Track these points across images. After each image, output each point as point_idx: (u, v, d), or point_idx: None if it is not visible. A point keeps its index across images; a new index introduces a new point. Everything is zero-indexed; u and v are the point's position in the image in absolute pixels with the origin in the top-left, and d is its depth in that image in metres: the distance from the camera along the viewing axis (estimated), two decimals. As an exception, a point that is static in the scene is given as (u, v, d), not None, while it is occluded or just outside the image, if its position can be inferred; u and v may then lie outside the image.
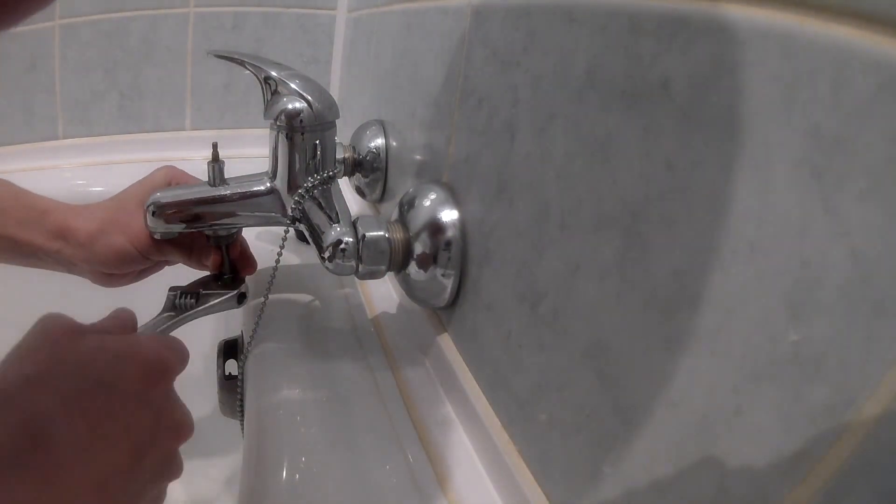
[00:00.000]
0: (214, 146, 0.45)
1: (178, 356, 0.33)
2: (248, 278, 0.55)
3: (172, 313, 0.45)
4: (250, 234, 0.63)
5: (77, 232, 0.43)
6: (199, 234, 0.47)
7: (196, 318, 0.45)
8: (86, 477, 0.24)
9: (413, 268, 0.39)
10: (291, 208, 0.44)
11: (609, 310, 0.24)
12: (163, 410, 0.30)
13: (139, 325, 0.38)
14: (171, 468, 0.31)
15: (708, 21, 0.19)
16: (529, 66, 0.30)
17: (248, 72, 0.43)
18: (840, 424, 0.15)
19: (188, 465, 0.36)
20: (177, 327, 0.43)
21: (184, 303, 0.45)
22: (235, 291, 0.46)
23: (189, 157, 0.81)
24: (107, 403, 0.27)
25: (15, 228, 0.43)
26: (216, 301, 0.46)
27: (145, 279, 0.50)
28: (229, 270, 0.49)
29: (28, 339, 0.28)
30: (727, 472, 0.18)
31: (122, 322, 0.36)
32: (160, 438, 0.29)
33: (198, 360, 0.64)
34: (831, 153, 0.15)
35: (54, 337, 0.28)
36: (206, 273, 0.49)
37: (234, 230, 0.47)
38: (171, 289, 0.47)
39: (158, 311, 0.45)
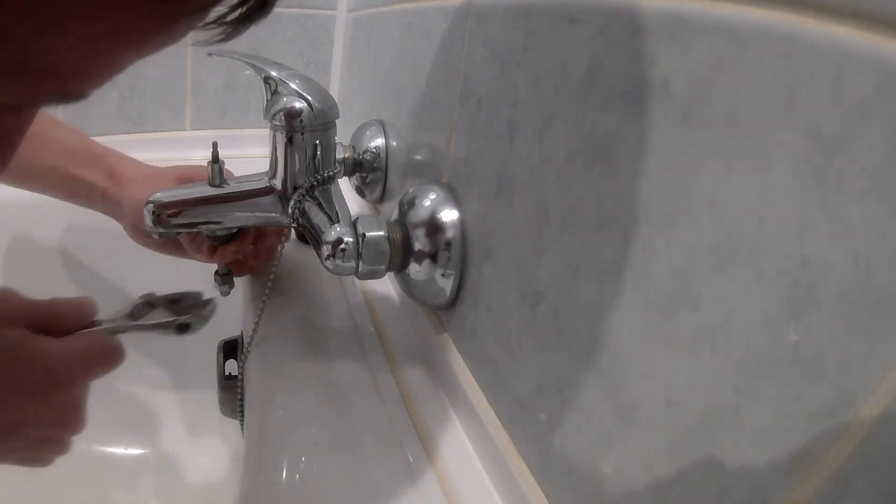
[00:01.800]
0: (214, 146, 0.45)
1: (97, 365, 0.35)
2: (247, 278, 0.55)
3: (127, 317, 0.42)
4: (250, 234, 0.63)
5: (123, 176, 0.49)
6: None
7: (133, 331, 0.40)
8: None
9: (413, 268, 0.39)
10: (291, 208, 0.44)
11: (609, 310, 0.24)
12: (56, 410, 0.34)
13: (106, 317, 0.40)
14: (50, 448, 0.36)
15: (708, 21, 0.19)
16: (529, 66, 0.30)
17: (248, 72, 0.43)
18: (840, 424, 0.15)
19: (188, 465, 0.37)
20: (120, 332, 0.39)
21: (138, 313, 0.42)
22: (175, 320, 0.41)
23: (189, 157, 0.80)
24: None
25: (76, 168, 0.49)
26: (152, 322, 0.41)
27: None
28: (223, 269, 0.49)
29: None
30: (727, 472, 0.18)
31: (78, 309, 0.38)
32: (42, 427, 0.34)
33: (198, 360, 0.64)
34: (831, 153, 0.15)
35: None
36: (191, 291, 0.46)
37: (234, 230, 0.47)
38: (143, 295, 0.44)
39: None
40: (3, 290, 0.35)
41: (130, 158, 0.52)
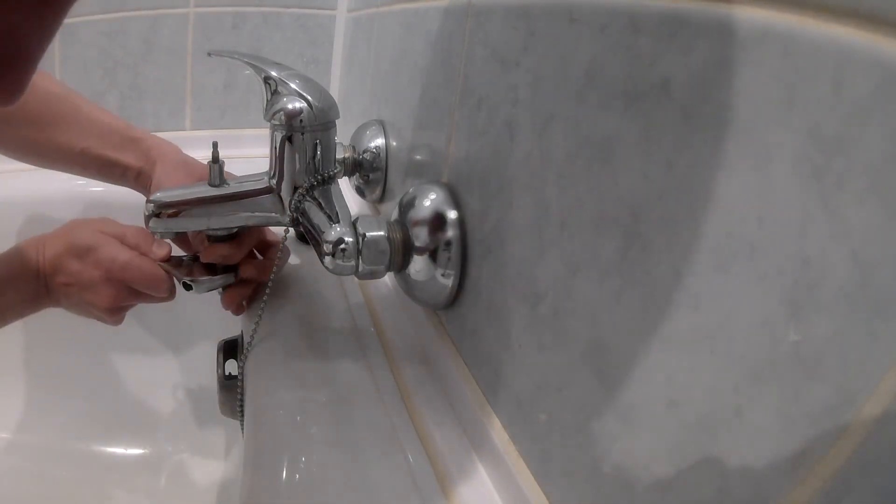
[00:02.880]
0: (214, 146, 0.44)
1: (144, 281, 0.48)
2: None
3: (178, 262, 0.50)
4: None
5: (157, 159, 0.52)
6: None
7: (175, 275, 0.49)
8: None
9: (413, 268, 0.39)
10: (291, 208, 0.44)
11: (609, 310, 0.24)
12: (103, 289, 0.48)
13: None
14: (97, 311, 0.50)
15: (708, 21, 0.19)
16: (529, 66, 0.30)
17: (248, 72, 0.43)
18: (840, 424, 0.15)
19: (188, 465, 0.37)
20: (167, 271, 0.49)
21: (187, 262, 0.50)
22: (195, 280, 0.49)
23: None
24: (84, 266, 0.47)
25: (112, 150, 0.52)
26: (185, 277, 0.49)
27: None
28: (222, 269, 0.49)
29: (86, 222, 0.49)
30: (727, 472, 0.18)
31: (157, 246, 0.49)
32: (92, 292, 0.48)
33: (198, 360, 0.64)
34: (831, 153, 0.15)
35: (99, 224, 0.49)
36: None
37: (234, 230, 0.47)
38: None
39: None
40: (107, 218, 0.50)
41: (166, 142, 0.54)
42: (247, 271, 0.50)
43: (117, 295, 0.48)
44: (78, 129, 0.52)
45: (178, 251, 0.51)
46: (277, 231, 0.53)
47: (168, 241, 0.49)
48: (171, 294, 0.49)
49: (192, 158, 0.53)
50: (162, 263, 0.48)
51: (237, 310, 0.52)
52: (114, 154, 0.52)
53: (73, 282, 0.47)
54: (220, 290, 0.50)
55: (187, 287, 0.49)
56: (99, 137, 0.52)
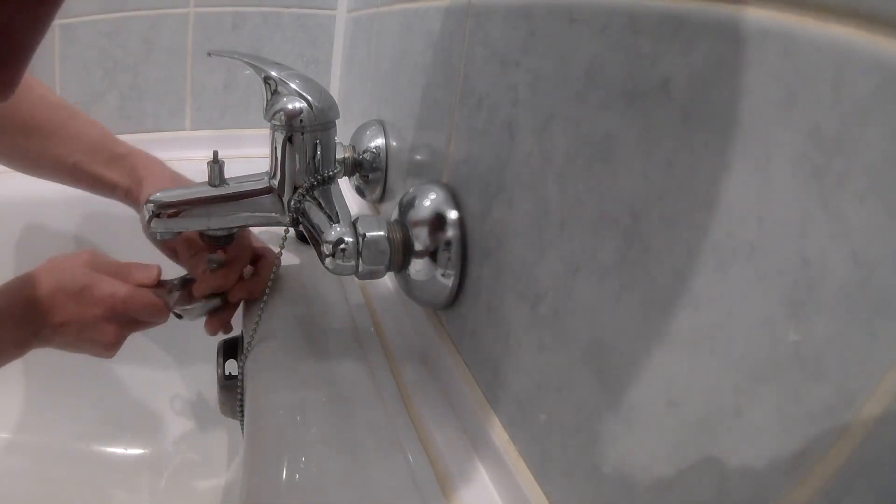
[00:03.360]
0: (215, 155, 0.45)
1: (140, 310, 0.48)
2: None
3: (172, 289, 0.51)
4: (250, 234, 0.63)
5: (145, 176, 0.51)
6: (199, 243, 0.49)
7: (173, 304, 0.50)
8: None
9: (413, 268, 0.39)
10: (291, 208, 0.44)
11: (609, 310, 0.24)
12: (98, 326, 0.47)
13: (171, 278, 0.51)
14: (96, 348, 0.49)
15: (708, 21, 0.19)
16: (529, 66, 0.30)
17: (248, 72, 0.43)
18: (840, 424, 0.15)
19: (188, 465, 0.37)
20: (161, 297, 0.50)
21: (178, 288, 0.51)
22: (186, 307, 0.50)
23: (189, 157, 0.80)
24: (81, 306, 0.47)
25: (101, 167, 0.52)
26: (176, 304, 0.50)
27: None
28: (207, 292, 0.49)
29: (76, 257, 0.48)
30: (727, 472, 0.18)
31: (146, 271, 0.50)
32: (88, 330, 0.48)
33: (198, 360, 0.64)
34: (831, 153, 0.15)
35: (86, 261, 0.48)
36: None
37: (235, 230, 0.47)
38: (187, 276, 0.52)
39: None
40: (90, 250, 0.50)
41: (154, 158, 0.53)
42: (236, 294, 0.50)
43: (119, 329, 0.48)
44: (70, 142, 0.51)
45: (166, 274, 0.52)
46: (277, 231, 0.53)
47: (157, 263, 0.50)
48: (164, 319, 0.50)
49: (179, 173, 0.52)
50: (156, 290, 0.49)
51: (226, 330, 0.52)
52: (102, 171, 0.51)
53: (72, 321, 0.46)
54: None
55: (178, 316, 0.50)
56: (88, 153, 0.51)
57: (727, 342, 0.18)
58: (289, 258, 0.58)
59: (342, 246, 0.39)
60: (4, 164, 0.54)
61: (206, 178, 0.45)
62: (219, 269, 0.48)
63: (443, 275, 0.38)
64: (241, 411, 0.45)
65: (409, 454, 0.35)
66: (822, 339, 0.15)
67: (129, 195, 0.52)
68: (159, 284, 0.50)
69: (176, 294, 0.50)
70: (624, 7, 0.23)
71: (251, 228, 0.51)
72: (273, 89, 0.42)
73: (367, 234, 0.39)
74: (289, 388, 0.40)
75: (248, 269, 0.52)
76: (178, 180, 0.51)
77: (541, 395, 0.29)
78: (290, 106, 0.41)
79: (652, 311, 0.21)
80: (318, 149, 0.43)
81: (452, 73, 0.39)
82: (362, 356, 0.44)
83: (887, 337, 0.14)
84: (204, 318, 0.51)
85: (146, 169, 0.52)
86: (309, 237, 0.43)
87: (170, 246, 0.51)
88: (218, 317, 0.50)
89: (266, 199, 0.45)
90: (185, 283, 0.50)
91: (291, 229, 0.46)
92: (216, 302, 0.50)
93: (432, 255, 0.38)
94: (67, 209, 0.69)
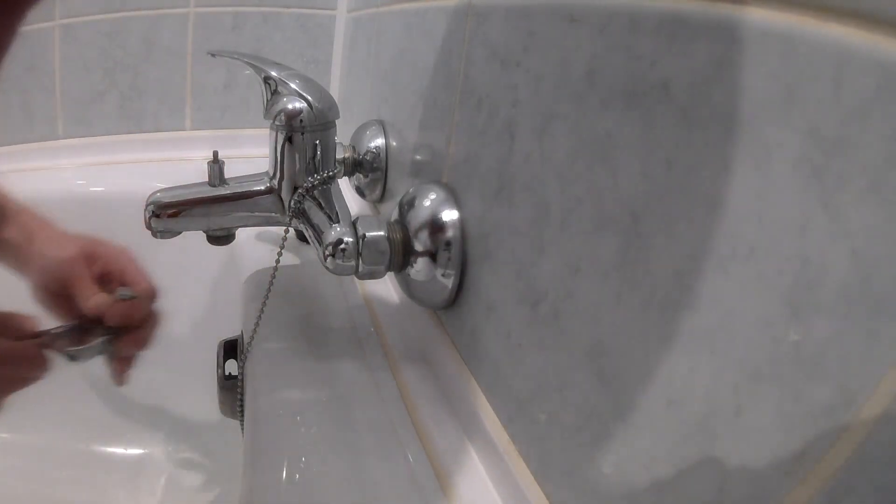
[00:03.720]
0: (215, 155, 0.45)
1: (17, 367, 0.42)
2: (248, 277, 0.55)
3: (57, 336, 0.45)
4: (251, 234, 0.63)
5: (35, 234, 0.48)
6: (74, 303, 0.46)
7: (51, 349, 0.44)
8: None
9: (413, 268, 0.39)
10: (291, 208, 0.44)
11: (609, 310, 0.24)
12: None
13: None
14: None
15: (708, 21, 0.19)
16: (529, 66, 0.30)
17: (248, 72, 0.43)
18: (840, 424, 0.15)
19: (188, 465, 0.37)
20: (45, 348, 0.43)
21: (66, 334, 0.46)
22: (76, 348, 0.44)
23: (189, 157, 0.81)
24: None
25: None
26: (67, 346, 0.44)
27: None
28: (99, 332, 0.46)
29: None
30: (727, 472, 0.18)
31: (19, 322, 0.43)
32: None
33: (198, 361, 0.64)
34: (831, 153, 0.15)
35: None
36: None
37: (234, 230, 0.47)
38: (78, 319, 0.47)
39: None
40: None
41: (42, 217, 0.50)
42: (126, 350, 0.48)
43: None
44: None
45: (49, 322, 0.47)
46: (277, 231, 0.53)
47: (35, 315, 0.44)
48: (46, 372, 0.43)
49: (69, 233, 0.49)
50: (36, 341, 0.43)
51: (123, 378, 0.49)
52: None
53: None
54: (105, 357, 0.47)
55: (72, 358, 0.44)
56: None
57: (727, 342, 0.18)
58: (289, 258, 0.58)
59: (342, 246, 0.39)
60: None
61: (206, 178, 0.45)
62: (129, 301, 0.46)
63: (443, 275, 0.38)
64: (241, 411, 0.45)
65: (409, 454, 0.35)
66: (821, 339, 0.15)
67: (18, 253, 0.49)
68: (41, 336, 0.44)
69: (66, 338, 0.45)
70: (624, 7, 0.23)
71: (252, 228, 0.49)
72: (273, 89, 0.42)
73: (367, 234, 0.39)
74: (289, 388, 0.40)
75: (128, 291, 0.48)
76: (65, 240, 0.48)
77: (541, 395, 0.29)
78: (290, 106, 0.41)
79: (652, 310, 0.21)
80: (318, 149, 0.43)
81: (452, 73, 0.39)
82: (362, 356, 0.44)
83: (887, 337, 0.14)
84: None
85: (36, 226, 0.49)
86: (309, 237, 0.43)
87: (63, 304, 0.48)
88: (120, 364, 0.48)
89: (266, 199, 0.45)
90: (74, 327, 0.46)
91: (291, 229, 0.46)
92: (108, 339, 0.46)
93: (432, 255, 0.38)
94: (68, 209, 0.69)
